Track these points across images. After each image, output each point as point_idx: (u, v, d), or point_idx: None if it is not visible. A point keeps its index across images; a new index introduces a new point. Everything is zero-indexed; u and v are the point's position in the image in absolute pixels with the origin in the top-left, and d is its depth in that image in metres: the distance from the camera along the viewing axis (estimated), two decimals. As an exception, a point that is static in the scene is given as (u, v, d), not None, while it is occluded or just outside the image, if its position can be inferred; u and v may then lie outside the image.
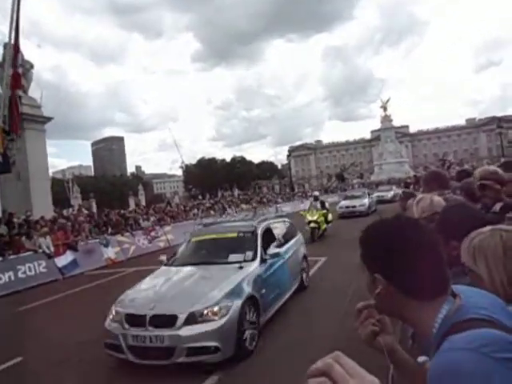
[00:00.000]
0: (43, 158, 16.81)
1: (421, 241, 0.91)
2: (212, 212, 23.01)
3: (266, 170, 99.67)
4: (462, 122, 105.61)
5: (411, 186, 12.66)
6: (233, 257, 5.62)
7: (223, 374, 4.23)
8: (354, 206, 20.82)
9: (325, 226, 13.95)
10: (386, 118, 72.41)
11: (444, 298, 0.90)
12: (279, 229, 7.14)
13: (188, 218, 20.83)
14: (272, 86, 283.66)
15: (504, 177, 2.59)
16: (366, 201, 21.49)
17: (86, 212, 18.12)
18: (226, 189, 59.54)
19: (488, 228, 1.22)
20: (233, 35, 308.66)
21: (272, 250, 5.94)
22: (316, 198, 15.05)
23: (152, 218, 17.74)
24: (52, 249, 12.05)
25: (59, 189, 45.25)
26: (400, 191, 29.23)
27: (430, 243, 0.92)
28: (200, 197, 44.87)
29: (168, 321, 4.28)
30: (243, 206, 27.32)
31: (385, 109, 72.41)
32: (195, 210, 22.56)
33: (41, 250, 11.77)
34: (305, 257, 7.57)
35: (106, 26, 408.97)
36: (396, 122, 78.31)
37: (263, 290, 5.16)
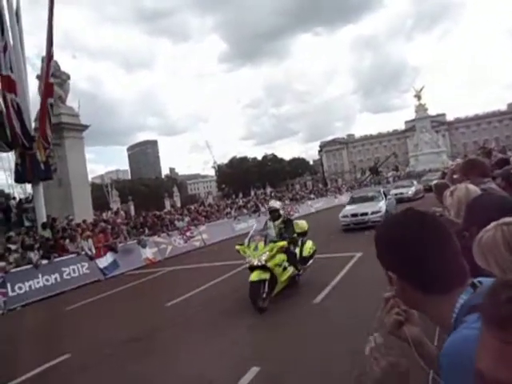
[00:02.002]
0: (82, 164, 17.56)
1: (429, 236, 0.89)
2: (245, 211, 23.14)
3: (298, 166, 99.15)
4: (504, 107, 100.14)
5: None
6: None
7: (263, 366, 4.31)
8: (364, 214, 14.26)
9: (289, 273, 6.90)
10: (421, 108, 69.88)
11: (462, 290, 0.87)
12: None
13: (221, 217, 21.07)
14: (300, 82, 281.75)
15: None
16: (382, 205, 14.86)
17: (123, 214, 18.76)
18: (259, 187, 59.80)
19: (493, 224, 1.18)
20: (258, 33, 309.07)
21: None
22: (274, 212, 7.56)
23: (186, 219, 18.10)
24: (94, 251, 12.59)
25: (99, 193, 47.22)
26: (420, 186, 26.93)
27: (439, 237, 0.90)
28: (233, 196, 45.34)
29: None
30: (276, 203, 27.27)
31: (419, 98, 69.90)
32: (228, 209, 22.77)
33: (83, 252, 12.32)
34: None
35: (136, 34, 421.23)
36: (431, 111, 75.56)
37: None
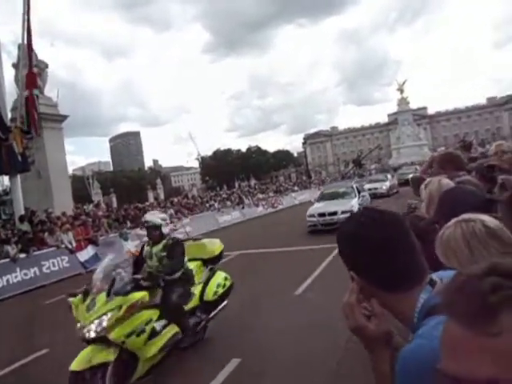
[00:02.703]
0: (61, 155, 17.16)
1: (387, 235, 0.90)
2: (228, 203, 23.11)
3: (282, 158, 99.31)
4: (483, 101, 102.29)
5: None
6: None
7: (243, 358, 4.36)
8: (333, 214, 12.43)
9: (165, 340, 4.11)
10: (403, 101, 70.89)
11: (421, 288, 0.88)
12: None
13: (205, 210, 21.00)
14: (284, 74, 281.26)
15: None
16: (354, 203, 13.30)
17: (104, 207, 18.49)
18: (243, 179, 59.70)
19: (453, 221, 1.20)
20: (241, 23, 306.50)
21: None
22: (153, 230, 4.54)
23: (169, 211, 17.96)
24: (74, 244, 12.38)
25: (80, 185, 46.32)
26: (395, 180, 25.79)
27: (397, 236, 0.91)
28: (218, 188, 45.17)
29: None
30: (260, 195, 27.32)
31: (401, 91, 70.86)
32: (212, 202, 22.70)
33: (63, 246, 12.10)
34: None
35: (115, 22, 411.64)
36: (413, 105, 76.59)
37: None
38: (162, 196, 40.61)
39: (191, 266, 4.92)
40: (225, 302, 5.20)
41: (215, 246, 5.47)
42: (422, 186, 2.48)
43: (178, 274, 4.41)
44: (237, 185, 44.96)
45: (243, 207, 22.96)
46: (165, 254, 4.44)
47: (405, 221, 0.97)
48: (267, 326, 5.30)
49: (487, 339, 0.44)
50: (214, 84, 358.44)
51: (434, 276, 0.91)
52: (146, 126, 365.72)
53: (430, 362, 0.71)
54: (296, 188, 34.54)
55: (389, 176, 27.18)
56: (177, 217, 17.93)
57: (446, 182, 2.15)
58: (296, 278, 7.22)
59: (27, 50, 13.56)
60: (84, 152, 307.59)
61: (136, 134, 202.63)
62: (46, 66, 17.33)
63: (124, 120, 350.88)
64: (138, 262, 4.69)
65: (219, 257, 5.48)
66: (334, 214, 12.49)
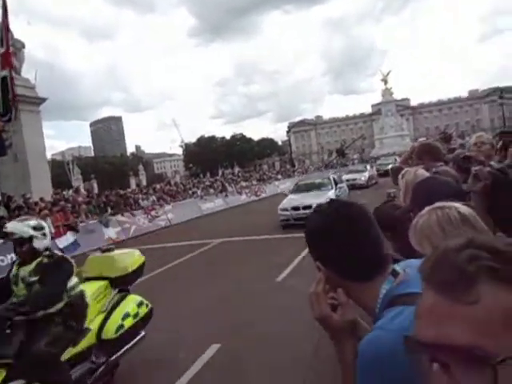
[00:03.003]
0: (40, 139, 16.71)
1: (348, 226, 0.92)
2: (211, 190, 23.03)
3: (267, 146, 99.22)
4: (465, 94, 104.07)
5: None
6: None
7: (223, 344, 4.39)
8: (307, 207, 11.16)
9: None
10: (387, 92, 71.41)
11: (383, 278, 0.90)
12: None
13: (188, 197, 20.88)
14: (271, 61, 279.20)
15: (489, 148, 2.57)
16: (331, 195, 12.29)
17: (84, 193, 18.17)
18: (227, 167, 59.44)
19: (427, 209, 1.22)
20: (227, 8, 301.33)
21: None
22: (19, 244, 3.13)
23: (151, 198, 17.80)
24: (52, 230, 12.15)
25: (60, 170, 45.27)
26: (374, 171, 25.25)
27: (360, 228, 0.93)
28: (201, 175, 44.89)
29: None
30: (243, 183, 27.31)
31: (385, 82, 71.31)
32: (194, 189, 22.57)
33: (41, 232, 11.85)
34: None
35: (97, 2, 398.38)
36: (397, 95, 77.28)
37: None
38: (144, 182, 40.15)
39: (90, 288, 3.61)
40: (141, 335, 3.92)
41: (129, 259, 4.06)
42: (400, 176, 2.52)
43: (57, 307, 3.05)
44: (220, 172, 44.76)
45: (226, 195, 22.93)
46: (36, 278, 3.07)
47: (370, 212, 0.99)
48: (248, 311, 5.35)
49: (464, 307, 0.46)
50: (199, 70, 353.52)
51: (397, 267, 0.92)
52: (129, 110, 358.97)
53: (387, 353, 0.73)
54: (279, 176, 34.64)
55: (368, 167, 26.86)
56: (159, 203, 17.79)
57: (422, 173, 2.19)
58: (277, 265, 7.29)
59: (4, 29, 13.02)
60: (64, 136, 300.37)
61: (118, 119, 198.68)
62: (23, 45, 16.72)
63: (106, 104, 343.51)
64: (4, 288, 3.21)
65: (135, 275, 4.08)
66: (309, 207, 10.99)
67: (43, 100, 17.16)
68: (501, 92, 54.18)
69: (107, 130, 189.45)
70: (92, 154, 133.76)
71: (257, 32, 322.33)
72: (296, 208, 11.80)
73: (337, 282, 0.95)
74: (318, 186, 13.74)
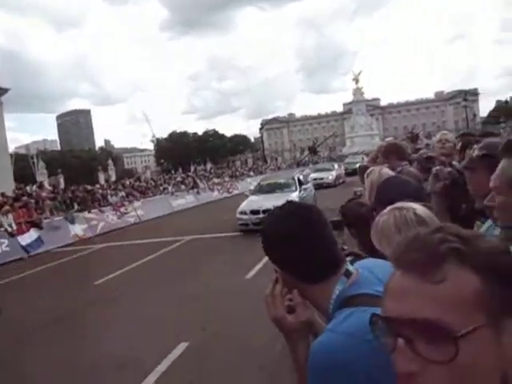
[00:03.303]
0: (1, 132, 15.96)
1: (302, 229, 0.92)
2: (183, 186, 22.75)
3: (239, 143, 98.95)
4: (431, 95, 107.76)
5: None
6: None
7: (191, 341, 4.37)
8: (267, 211, 6.52)
9: None
10: (358, 91, 72.67)
11: (337, 278, 0.91)
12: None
13: (158, 193, 20.53)
14: (244, 57, 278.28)
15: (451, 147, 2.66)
16: (295, 196, 11.08)
17: (49, 188, 17.49)
18: (199, 163, 58.84)
19: (388, 209, 1.25)
20: (201, 2, 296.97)
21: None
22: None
23: (120, 194, 17.37)
24: (14, 227, 11.65)
25: (23, 164, 43.34)
26: (342, 170, 24.92)
27: (312, 229, 0.93)
28: (173, 171, 44.21)
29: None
30: (215, 180, 27.15)
31: (357, 81, 72.53)
32: (165, 185, 22.23)
33: (2, 229, 11.35)
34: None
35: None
36: (368, 95, 78.88)
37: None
38: (113, 178, 39.11)
39: None
40: None
41: None
42: (365, 175, 2.57)
43: None
44: (193, 168, 44.29)
45: (198, 191, 22.73)
46: None
47: (323, 214, 0.99)
48: (217, 309, 5.33)
49: (431, 285, 0.49)
50: (171, 63, 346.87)
51: (351, 267, 0.94)
52: (98, 103, 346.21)
53: (336, 357, 0.74)
54: (252, 173, 34.67)
55: (335, 165, 26.10)
56: (128, 200, 17.40)
57: (386, 172, 2.24)
58: (247, 263, 7.30)
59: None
60: (28, 129, 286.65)
61: (86, 112, 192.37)
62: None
63: (74, 96, 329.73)
64: None
65: None
66: (269, 211, 9.84)
67: (5, 90, 16.37)
68: (465, 94, 56.46)
69: (75, 123, 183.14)
70: (58, 147, 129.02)
71: (231, 28, 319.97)
72: (255, 212, 10.68)
73: (293, 284, 0.96)
74: (281, 187, 12.75)
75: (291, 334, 0.96)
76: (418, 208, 1.28)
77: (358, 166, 4.87)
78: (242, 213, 11.14)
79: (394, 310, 0.51)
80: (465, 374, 0.46)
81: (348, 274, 0.91)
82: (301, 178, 14.12)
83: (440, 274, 0.49)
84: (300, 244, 0.92)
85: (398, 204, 1.27)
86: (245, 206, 11.37)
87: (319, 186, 20.09)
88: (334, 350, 0.76)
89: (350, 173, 27.45)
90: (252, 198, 12.21)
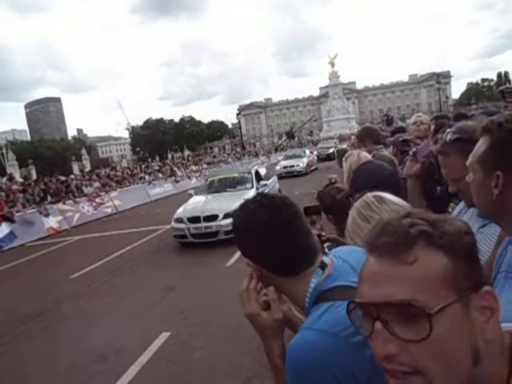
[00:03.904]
0: (-35, 122, 15.20)
1: (269, 220, 0.90)
2: (160, 175, 22.43)
3: (217, 129, 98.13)
4: (406, 78, 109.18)
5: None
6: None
7: (173, 331, 4.37)
8: (212, 218, 7.99)
9: None
10: (334, 75, 73.09)
11: (312, 270, 0.89)
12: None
13: (135, 182, 20.18)
14: (219, 42, 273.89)
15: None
16: (251, 196, 2.84)
17: (20, 180, 16.91)
18: (176, 150, 58.12)
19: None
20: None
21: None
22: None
23: (95, 184, 16.97)
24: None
25: (-9, 156, 41.69)
26: (313, 156, 24.00)
27: (282, 221, 0.90)
28: (149, 159, 43.52)
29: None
30: (193, 167, 26.88)
31: (332, 65, 72.85)
32: (142, 174, 21.85)
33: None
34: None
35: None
36: (344, 79, 79.30)
37: None
38: (88, 168, 38.18)
39: None
40: None
41: None
42: (343, 159, 2.56)
43: None
44: (170, 156, 43.71)
45: (176, 179, 22.47)
46: None
47: (294, 204, 0.96)
48: (197, 297, 5.32)
49: (403, 267, 0.51)
50: (144, 49, 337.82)
51: (325, 258, 0.91)
52: (69, 91, 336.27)
53: (314, 355, 0.73)
54: (230, 160, 34.49)
55: (307, 151, 24.60)
56: (104, 190, 17.02)
57: (364, 155, 2.24)
58: (228, 250, 7.28)
59: None
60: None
61: (56, 100, 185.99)
62: None
63: (42, 85, 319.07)
64: None
65: None
66: (214, 218, 8.01)
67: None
68: (437, 77, 57.50)
69: (45, 111, 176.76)
70: (28, 137, 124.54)
71: (204, 11, 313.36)
72: (194, 219, 8.16)
73: (267, 278, 0.93)
74: (233, 184, 10.01)
75: (265, 332, 0.94)
76: (375, 193, 1.27)
77: (331, 150, 4.91)
78: (177, 220, 8.40)
79: (370, 294, 0.53)
80: (439, 349, 0.49)
81: (323, 265, 0.89)
82: (260, 171, 11.16)
83: (412, 256, 0.51)
84: (271, 236, 0.88)
85: (356, 203, 1.28)
86: (182, 211, 8.59)
87: (290, 174, 19.57)
88: (311, 350, 0.74)
89: (324, 158, 26.58)
90: (195, 198, 9.53)
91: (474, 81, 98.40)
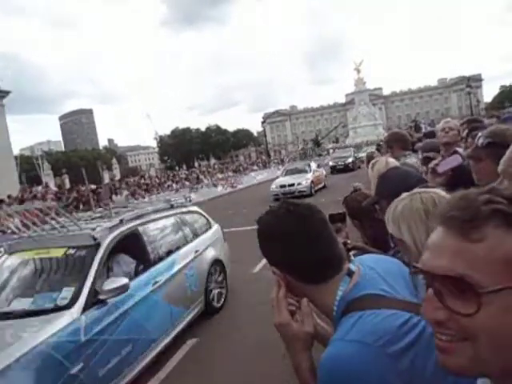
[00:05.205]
0: (4, 134, 16.02)
1: (295, 227, 0.89)
2: (187, 183, 22.80)
3: (242, 137, 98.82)
4: (435, 83, 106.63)
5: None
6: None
7: (200, 338, 4.39)
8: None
9: None
10: (360, 81, 72.30)
11: (339, 278, 0.88)
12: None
13: (163, 190, 20.61)
14: (243, 51, 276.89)
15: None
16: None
17: (54, 189, 17.60)
18: (203, 158, 58.94)
19: (406, 194, 1.21)
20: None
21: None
22: None
23: (125, 192, 17.45)
24: (21, 229, 11.72)
25: (28, 167, 43.59)
26: (322, 170, 19.69)
27: (309, 227, 0.89)
28: (177, 168, 44.33)
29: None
30: (219, 175, 27.17)
31: (358, 71, 72.14)
32: (169, 182, 22.29)
33: (9, 231, 11.41)
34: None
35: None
36: (370, 85, 78.37)
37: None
38: (118, 176, 39.29)
39: None
40: None
41: None
42: (370, 166, 2.53)
43: None
44: (196, 164, 44.38)
45: (202, 186, 22.78)
46: None
47: (321, 211, 0.95)
48: (224, 304, 5.33)
49: (468, 244, 0.50)
50: (171, 59, 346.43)
51: (352, 266, 0.90)
52: (100, 103, 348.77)
53: (350, 367, 0.71)
54: (255, 167, 34.65)
55: (312, 165, 18.89)
56: (134, 198, 17.47)
57: (392, 161, 2.20)
58: (254, 257, 7.26)
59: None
60: (33, 131, 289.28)
61: (88, 112, 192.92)
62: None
63: (75, 97, 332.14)
64: None
65: None
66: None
67: (6, 93, 16.41)
68: (468, 80, 55.79)
69: (78, 123, 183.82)
70: (62, 148, 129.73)
71: (229, 21, 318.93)
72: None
73: (294, 286, 0.92)
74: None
75: (294, 343, 0.91)
76: (440, 191, 1.24)
77: (350, 160, 4.73)
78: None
79: (429, 263, 0.54)
80: (488, 326, 0.49)
81: (350, 273, 0.88)
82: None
83: (478, 234, 0.50)
84: (298, 243, 0.88)
85: (419, 189, 1.23)
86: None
87: (289, 195, 14.61)
88: (346, 361, 0.72)
89: (342, 169, 24.19)
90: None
91: (508, 83, 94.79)
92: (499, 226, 0.50)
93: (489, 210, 0.51)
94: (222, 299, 5.23)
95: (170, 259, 4.36)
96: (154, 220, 4.48)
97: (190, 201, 6.34)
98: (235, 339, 4.30)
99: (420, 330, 0.73)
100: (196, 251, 4.88)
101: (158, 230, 4.54)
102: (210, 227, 5.74)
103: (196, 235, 5.18)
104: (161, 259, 4.25)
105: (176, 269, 4.33)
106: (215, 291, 5.12)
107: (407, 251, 1.11)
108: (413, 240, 1.10)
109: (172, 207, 5.05)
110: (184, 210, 5.33)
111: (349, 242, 1.73)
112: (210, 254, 5.23)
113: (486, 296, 0.48)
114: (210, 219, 5.93)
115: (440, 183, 1.81)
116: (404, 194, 1.23)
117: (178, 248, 4.66)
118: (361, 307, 0.79)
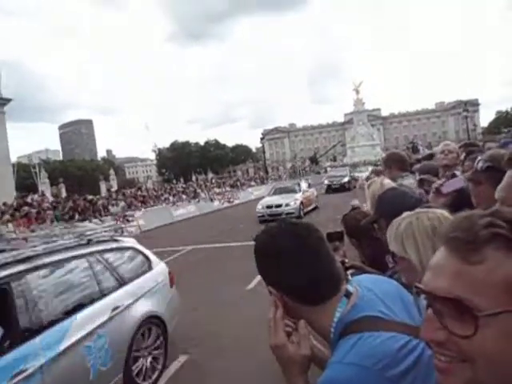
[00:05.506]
0: (3, 141, 16.03)
1: (295, 249, 0.87)
2: (184, 196, 22.77)
3: (241, 153, 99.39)
4: (432, 105, 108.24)
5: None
6: (291, 192, 7.74)
7: (191, 355, 4.33)
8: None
9: None
10: (359, 101, 73.20)
11: (337, 299, 0.86)
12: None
13: (159, 203, 20.55)
14: (246, 68, 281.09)
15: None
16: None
17: (50, 198, 17.52)
18: (201, 172, 59.07)
19: (409, 213, 1.21)
20: (203, 13, 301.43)
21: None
22: None
23: (121, 204, 17.38)
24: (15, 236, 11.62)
25: (25, 174, 43.48)
26: (313, 191, 18.01)
27: (307, 247, 0.88)
28: (174, 181, 44.35)
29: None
30: (216, 189, 27.17)
31: (357, 92, 73.14)
32: (166, 195, 22.25)
33: (3, 238, 11.32)
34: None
35: None
36: (369, 105, 79.43)
37: None
38: (115, 187, 39.20)
39: None
40: None
41: None
42: (366, 186, 2.55)
43: None
44: (194, 178, 44.45)
45: (199, 201, 22.73)
46: None
47: (319, 230, 0.94)
48: (217, 320, 5.26)
49: (467, 266, 0.50)
50: (173, 74, 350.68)
51: (350, 287, 0.89)
52: (100, 113, 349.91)
53: None
54: (253, 183, 34.71)
55: (303, 185, 17.51)
56: (131, 209, 17.40)
57: (388, 182, 2.22)
58: (248, 273, 7.21)
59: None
60: (31, 139, 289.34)
61: (88, 122, 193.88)
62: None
63: (75, 106, 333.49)
64: None
65: None
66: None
67: (7, 101, 16.50)
68: (465, 105, 56.70)
69: (77, 133, 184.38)
70: (60, 157, 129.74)
71: (234, 37, 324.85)
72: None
73: (290, 307, 0.90)
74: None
75: (289, 366, 0.88)
76: (443, 211, 1.23)
77: (346, 179, 4.73)
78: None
79: (430, 284, 0.54)
80: (486, 349, 0.48)
81: (348, 294, 0.86)
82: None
83: (478, 256, 0.50)
84: (294, 262, 0.85)
85: (422, 209, 1.23)
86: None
87: (275, 217, 11.75)
88: None
89: (337, 189, 23.75)
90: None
91: (504, 109, 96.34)
92: (499, 248, 0.50)
93: (489, 233, 0.51)
94: (157, 371, 3.77)
95: (56, 328, 2.75)
96: (45, 266, 2.94)
97: (122, 233, 4.84)
98: (227, 356, 4.22)
99: (419, 353, 0.72)
100: (114, 308, 3.32)
101: (49, 281, 2.95)
102: (150, 269, 4.14)
103: (122, 283, 3.62)
104: (40, 330, 2.64)
105: (67, 343, 2.74)
106: (144, 360, 3.64)
107: (408, 270, 1.10)
108: (418, 257, 1.09)
109: (89, 243, 3.53)
110: (110, 246, 3.77)
111: (347, 260, 1.72)
112: (141, 308, 3.68)
113: (483, 319, 0.48)
114: (153, 257, 4.37)
115: (443, 204, 1.82)
116: (406, 213, 1.23)
117: (80, 308, 3.05)
118: (359, 329, 0.78)
